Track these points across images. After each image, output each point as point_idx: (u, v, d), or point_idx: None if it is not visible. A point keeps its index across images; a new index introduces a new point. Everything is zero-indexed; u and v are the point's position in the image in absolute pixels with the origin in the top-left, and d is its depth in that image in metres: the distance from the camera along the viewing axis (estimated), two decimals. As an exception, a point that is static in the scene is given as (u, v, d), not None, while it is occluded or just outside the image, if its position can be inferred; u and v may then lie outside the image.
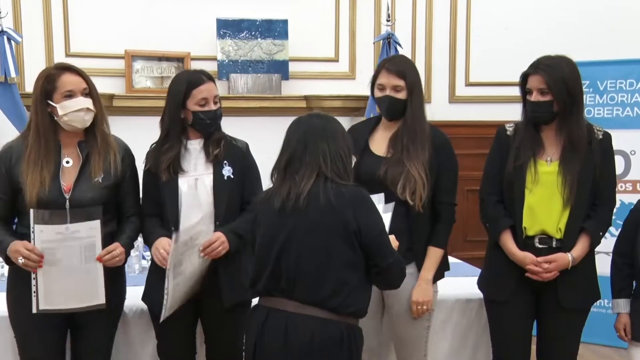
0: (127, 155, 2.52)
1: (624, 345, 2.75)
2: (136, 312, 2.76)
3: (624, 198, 4.07)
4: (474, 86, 5.11)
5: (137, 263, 3.28)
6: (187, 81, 2.49)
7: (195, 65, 4.64)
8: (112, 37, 4.66)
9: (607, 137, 2.55)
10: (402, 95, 2.52)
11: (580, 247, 2.50)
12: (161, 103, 4.38)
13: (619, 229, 2.75)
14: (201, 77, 2.50)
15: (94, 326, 2.46)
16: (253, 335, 2.11)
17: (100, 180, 2.40)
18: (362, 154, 2.53)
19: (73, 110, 2.37)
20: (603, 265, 2.80)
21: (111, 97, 4.52)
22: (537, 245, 2.50)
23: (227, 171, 2.50)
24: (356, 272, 2.06)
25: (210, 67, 4.39)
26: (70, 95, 2.37)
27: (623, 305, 2.64)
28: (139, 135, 4.33)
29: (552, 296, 2.51)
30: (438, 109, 4.96)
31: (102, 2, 4.67)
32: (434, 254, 2.54)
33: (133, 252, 3.22)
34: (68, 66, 2.44)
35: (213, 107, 2.49)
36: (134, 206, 2.54)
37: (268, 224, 2.11)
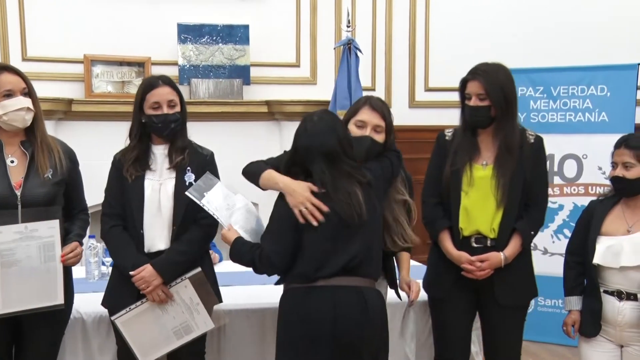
0: (71, 159, 2.51)
1: (576, 344, 2.82)
2: (95, 319, 2.73)
3: (577, 200, 4.19)
4: (433, 91, 5.18)
5: (97, 269, 3.23)
6: (143, 86, 2.53)
7: (156, 70, 4.61)
8: (71, 41, 4.60)
9: (539, 141, 2.65)
10: (380, 137, 2.48)
11: (512, 246, 2.59)
12: (122, 108, 4.44)
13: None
14: (157, 81, 2.52)
15: (39, 331, 2.42)
16: (327, 315, 2.21)
17: (49, 177, 2.40)
18: None
19: (13, 110, 2.35)
20: (559, 266, 2.87)
21: (70, 102, 4.47)
22: (473, 245, 2.59)
23: (189, 177, 2.51)
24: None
25: (172, 72, 4.37)
26: (9, 94, 2.36)
27: (575, 302, 2.72)
28: (98, 141, 4.32)
29: (490, 294, 2.60)
30: (398, 114, 4.96)
31: (59, 6, 4.61)
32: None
33: (92, 259, 3.18)
34: (6, 66, 2.44)
35: (166, 110, 2.49)
36: (81, 203, 2.57)
37: (334, 227, 2.24)
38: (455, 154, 2.59)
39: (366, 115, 2.47)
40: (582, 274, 2.72)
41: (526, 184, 2.58)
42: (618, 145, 2.63)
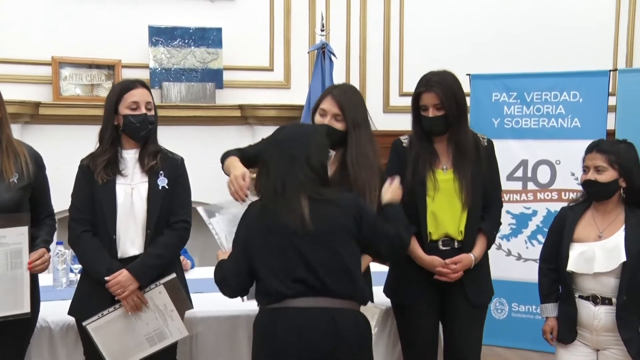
0: (37, 163, 2.48)
1: (550, 350, 2.86)
2: (63, 328, 2.69)
3: (550, 206, 4.25)
4: (407, 96, 5.16)
5: (65, 276, 3.18)
6: (120, 87, 2.54)
7: (126, 73, 4.58)
8: (38, 42, 4.54)
9: (491, 144, 2.77)
10: (340, 125, 2.54)
11: (479, 247, 2.68)
12: (91, 111, 4.39)
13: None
14: (134, 83, 2.54)
15: (4, 341, 2.38)
16: (291, 339, 2.11)
17: (15, 181, 2.37)
18: None
19: None
20: (534, 272, 2.91)
21: (37, 105, 4.40)
22: (441, 247, 2.65)
23: (161, 181, 2.52)
24: (360, 266, 2.25)
25: (143, 75, 4.33)
26: None
27: (551, 309, 2.76)
28: (66, 145, 4.26)
29: (460, 294, 2.65)
30: (373, 119, 5.04)
31: (26, 6, 4.54)
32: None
33: (60, 266, 3.14)
34: None
35: (144, 111, 2.50)
36: (48, 208, 2.55)
37: (280, 241, 2.15)
38: (415, 161, 2.65)
39: (327, 104, 2.56)
40: (557, 280, 2.75)
41: (485, 187, 2.68)
42: (590, 149, 2.68)
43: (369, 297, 2.34)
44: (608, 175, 2.61)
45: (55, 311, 2.67)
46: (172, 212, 2.54)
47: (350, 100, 2.57)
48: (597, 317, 2.61)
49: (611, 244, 2.61)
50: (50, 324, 2.67)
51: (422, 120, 2.66)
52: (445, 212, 2.64)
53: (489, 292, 2.77)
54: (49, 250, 2.47)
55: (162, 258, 2.50)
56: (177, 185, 2.56)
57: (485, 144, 2.73)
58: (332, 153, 2.35)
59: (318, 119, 2.57)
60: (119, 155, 2.52)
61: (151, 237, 2.49)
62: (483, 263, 2.72)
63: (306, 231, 2.13)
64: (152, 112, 2.53)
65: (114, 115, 2.50)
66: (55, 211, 2.60)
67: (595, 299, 2.63)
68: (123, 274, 2.43)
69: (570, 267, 2.64)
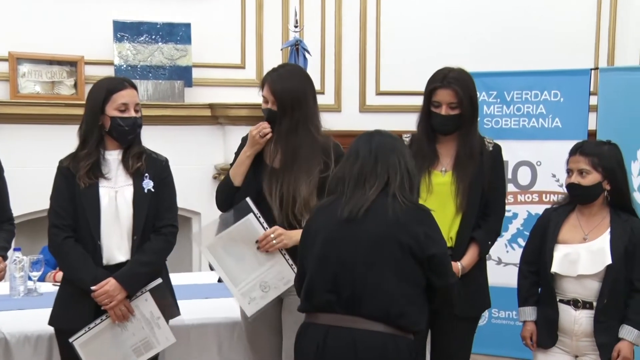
0: None
1: (529, 357, 2.87)
2: (20, 339, 2.64)
3: (531, 209, 4.27)
4: (384, 95, 5.22)
5: (23, 285, 3.11)
6: (107, 86, 2.50)
7: (89, 70, 4.52)
8: (-6, 37, 4.45)
9: (497, 149, 2.72)
10: (275, 107, 2.57)
11: (469, 256, 2.64)
12: (52, 110, 4.32)
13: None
14: (123, 83, 2.53)
15: None
16: (311, 356, 2.10)
17: None
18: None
19: None
20: (514, 276, 2.92)
21: (-7, 103, 4.32)
22: None
23: (147, 184, 2.50)
24: (420, 289, 2.13)
25: (107, 72, 4.27)
26: None
27: (529, 313, 2.77)
28: (25, 146, 4.18)
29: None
30: (349, 119, 5.04)
31: (-18, -1, 4.46)
32: None
33: (17, 274, 3.08)
34: None
35: (133, 114, 2.48)
36: (6, 212, 2.52)
37: (328, 233, 2.15)
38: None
39: (265, 91, 2.59)
40: (537, 283, 2.77)
41: (484, 193, 2.64)
42: (573, 152, 2.70)
43: (413, 325, 2.15)
44: (592, 178, 2.64)
45: (12, 321, 2.63)
46: (158, 216, 2.52)
47: (283, 86, 2.56)
48: (577, 321, 2.64)
49: (596, 247, 2.63)
50: (7, 334, 2.62)
51: (433, 117, 2.62)
52: (437, 217, 2.55)
53: (480, 305, 2.73)
54: (5, 258, 2.43)
55: (151, 265, 2.49)
56: (163, 188, 2.54)
57: (491, 148, 2.69)
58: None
59: (263, 105, 2.61)
60: (100, 158, 2.48)
61: (138, 242, 2.47)
62: (476, 274, 2.66)
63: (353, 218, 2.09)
64: (140, 114, 2.52)
65: (100, 116, 2.45)
66: (14, 215, 2.56)
67: (576, 303, 2.65)
68: (110, 283, 2.40)
69: (554, 268, 2.65)
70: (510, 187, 4.37)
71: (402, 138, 2.43)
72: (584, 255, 2.63)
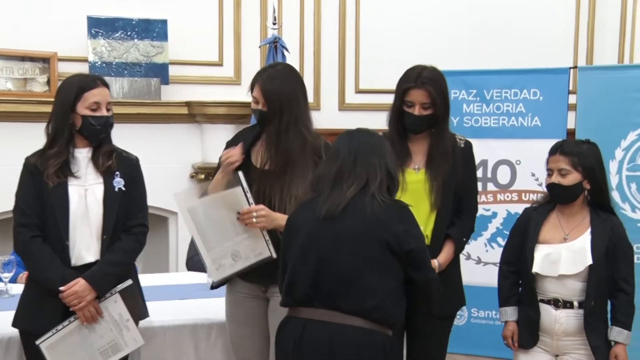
0: None
1: (509, 356, 2.90)
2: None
3: (510, 208, 4.31)
4: (364, 93, 5.23)
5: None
6: (78, 83, 2.48)
7: (63, 67, 4.47)
8: (-36, 32, 4.39)
9: (469, 146, 2.75)
10: (266, 108, 2.55)
11: (445, 254, 2.66)
12: (24, 108, 4.26)
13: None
14: (95, 81, 2.50)
15: None
16: (289, 349, 2.14)
17: None
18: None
19: None
20: (493, 276, 2.94)
21: (-37, 100, 4.26)
22: None
23: (118, 183, 2.49)
24: (397, 282, 2.17)
25: (81, 69, 4.23)
26: None
27: (510, 313, 2.79)
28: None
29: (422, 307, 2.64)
30: (328, 117, 5.03)
31: (-48, -8, 4.39)
32: None
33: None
34: None
35: (105, 113, 2.47)
36: None
37: (309, 230, 2.18)
38: None
39: (256, 92, 2.56)
40: (517, 283, 2.79)
41: (458, 190, 2.66)
42: (553, 151, 2.73)
43: (388, 318, 2.19)
44: (572, 178, 2.66)
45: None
46: (129, 215, 2.51)
47: (273, 87, 2.53)
48: (558, 321, 2.66)
49: (577, 247, 2.66)
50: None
51: (405, 116, 2.64)
52: None
53: (455, 303, 2.75)
54: None
55: (121, 265, 2.48)
56: (133, 187, 2.53)
57: (462, 145, 2.71)
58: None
59: (253, 105, 2.59)
60: (69, 156, 2.46)
61: (108, 242, 2.45)
62: (451, 272, 2.68)
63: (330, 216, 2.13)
64: (111, 113, 2.50)
65: (70, 114, 2.43)
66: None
67: (556, 303, 2.68)
68: (80, 284, 2.38)
69: (535, 268, 2.68)
70: (490, 186, 4.40)
71: (382, 135, 2.44)
72: (565, 256, 2.66)
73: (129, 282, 2.49)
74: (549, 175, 2.72)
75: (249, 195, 2.43)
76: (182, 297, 3.15)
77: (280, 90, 2.52)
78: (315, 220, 2.19)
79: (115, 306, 2.46)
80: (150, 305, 2.81)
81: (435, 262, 2.61)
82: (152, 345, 2.78)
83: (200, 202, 2.49)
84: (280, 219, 2.41)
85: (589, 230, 2.68)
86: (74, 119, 2.44)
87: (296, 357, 2.16)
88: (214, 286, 2.66)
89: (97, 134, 2.46)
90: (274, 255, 2.42)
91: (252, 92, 2.59)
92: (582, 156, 2.67)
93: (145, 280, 3.32)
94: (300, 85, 2.60)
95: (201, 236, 2.49)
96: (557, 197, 2.73)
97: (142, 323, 2.67)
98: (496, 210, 4.39)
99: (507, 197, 4.37)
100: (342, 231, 2.15)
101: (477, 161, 4.24)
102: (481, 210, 4.34)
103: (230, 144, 2.66)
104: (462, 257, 4.27)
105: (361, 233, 2.14)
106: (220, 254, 2.49)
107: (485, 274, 4.07)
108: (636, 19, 5.34)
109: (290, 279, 2.20)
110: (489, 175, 4.41)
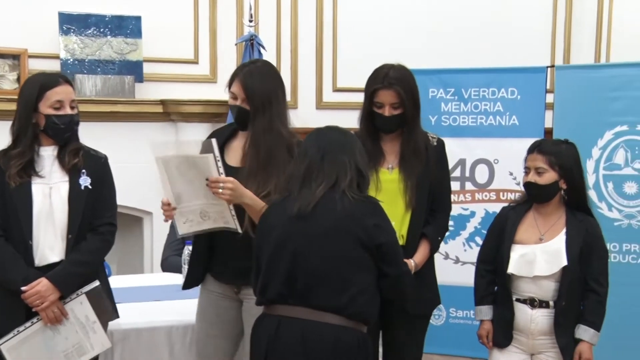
0: None
1: (486, 356, 2.93)
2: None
3: (488, 207, 4.34)
4: (341, 92, 5.24)
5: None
6: (40, 82, 2.44)
7: (34, 64, 4.41)
8: None
9: (441, 144, 2.77)
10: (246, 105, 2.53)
11: (421, 253, 2.68)
12: (-7, 105, 4.18)
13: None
14: (57, 79, 2.47)
15: None
16: (263, 347, 2.15)
17: None
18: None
19: None
20: (472, 275, 2.96)
21: None
22: None
23: (84, 181, 2.46)
24: (370, 278, 2.18)
25: (52, 66, 4.19)
26: None
27: (485, 312, 2.82)
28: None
29: (398, 303, 2.64)
30: (305, 116, 5.04)
31: None
32: None
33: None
34: None
35: (69, 111, 2.44)
36: None
37: (282, 229, 2.19)
38: None
39: (235, 87, 2.54)
40: (493, 282, 2.82)
41: (432, 189, 2.69)
42: (531, 150, 2.76)
43: (361, 314, 2.19)
44: (548, 177, 2.70)
45: None
46: (96, 214, 2.49)
47: (255, 83, 2.51)
48: (534, 320, 2.70)
49: (552, 248, 2.69)
50: None
51: (376, 118, 2.65)
52: (388, 214, 2.64)
53: (431, 301, 2.77)
54: None
55: (87, 265, 2.45)
56: (101, 185, 2.51)
57: (435, 143, 2.73)
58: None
59: (231, 101, 2.58)
60: (34, 155, 2.44)
61: (73, 242, 2.43)
62: (425, 271, 2.70)
63: (306, 222, 2.15)
64: (76, 111, 2.48)
65: (33, 114, 2.41)
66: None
67: (532, 302, 2.71)
68: (42, 283, 2.36)
69: (511, 269, 2.71)
70: (468, 185, 4.44)
71: (353, 133, 2.44)
72: (540, 256, 2.69)
73: (96, 283, 2.47)
74: (526, 173, 2.75)
75: (219, 164, 2.38)
76: (157, 299, 3.13)
77: (262, 87, 2.51)
78: (287, 219, 2.19)
79: (81, 307, 2.43)
80: (124, 307, 2.80)
81: (411, 262, 2.62)
82: (126, 348, 2.76)
83: (174, 157, 2.42)
84: (249, 198, 2.38)
85: (564, 231, 2.71)
86: (37, 118, 2.42)
87: (270, 355, 2.17)
88: (185, 286, 2.65)
89: (62, 132, 2.44)
90: (240, 230, 2.38)
91: (230, 87, 2.58)
92: (559, 155, 2.70)
93: (120, 281, 3.33)
94: (280, 82, 2.59)
95: (172, 186, 2.43)
96: (532, 196, 2.76)
97: (116, 325, 2.66)
98: (474, 210, 4.42)
99: (485, 196, 4.41)
100: (314, 228, 2.16)
101: (455, 160, 4.37)
102: (459, 210, 4.38)
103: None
104: (440, 256, 4.35)
105: (332, 229, 2.15)
106: (189, 209, 2.43)
107: (463, 274, 4.09)
108: (613, 18, 5.41)
109: (265, 278, 2.21)
110: (467, 174, 4.44)
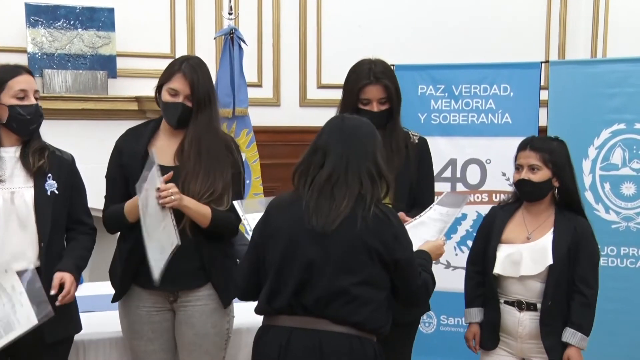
0: None
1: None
2: None
3: (480, 209, 4.34)
4: (326, 88, 5.24)
5: None
6: (1, 73, 2.42)
7: (0, 58, 4.38)
8: None
9: (423, 141, 2.84)
10: (189, 102, 2.56)
11: None
12: (-44, 102, 4.14)
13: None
14: (17, 69, 2.45)
15: None
16: (273, 357, 2.17)
17: None
18: (142, 162, 2.53)
19: None
20: (463, 280, 2.98)
21: None
22: None
23: (50, 185, 2.43)
24: (386, 293, 2.23)
25: (19, 61, 4.10)
26: None
27: (474, 314, 2.85)
28: None
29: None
30: (288, 113, 5.05)
31: None
32: None
33: None
34: None
35: (34, 101, 2.42)
36: None
37: (295, 237, 2.17)
38: None
39: (178, 83, 2.55)
40: (483, 283, 2.85)
41: (412, 186, 2.73)
42: (523, 146, 2.77)
43: (378, 329, 2.24)
44: (542, 174, 2.72)
45: None
46: (79, 220, 2.52)
47: (199, 80, 2.55)
48: (521, 323, 2.72)
49: (539, 247, 2.71)
50: None
51: (363, 114, 2.64)
52: None
53: (418, 309, 2.78)
54: None
55: (86, 261, 2.51)
56: (72, 190, 2.50)
57: (416, 141, 2.78)
58: None
59: (167, 97, 2.57)
60: None
61: (46, 248, 2.40)
62: None
63: (322, 237, 2.14)
64: (39, 103, 2.46)
65: None
66: None
67: (520, 305, 2.73)
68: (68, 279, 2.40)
69: (496, 269, 2.73)
70: (459, 187, 4.44)
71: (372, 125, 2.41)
72: (526, 256, 2.71)
73: (31, 267, 2.35)
74: (518, 171, 2.77)
75: (159, 172, 2.41)
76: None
77: (205, 83, 2.55)
78: (301, 228, 2.17)
79: (6, 277, 2.30)
80: (95, 315, 2.79)
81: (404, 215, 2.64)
82: (98, 356, 2.78)
83: (141, 180, 2.45)
84: (187, 200, 2.43)
85: (552, 229, 2.74)
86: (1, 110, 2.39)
87: None
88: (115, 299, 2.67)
89: (27, 124, 2.41)
90: (179, 243, 2.35)
91: (167, 83, 2.57)
92: (553, 153, 2.73)
93: (91, 289, 3.30)
94: (211, 78, 2.64)
95: (145, 220, 2.43)
96: (525, 194, 2.78)
97: (85, 335, 2.65)
98: (465, 212, 4.41)
99: (477, 197, 4.41)
100: (334, 244, 2.15)
101: (445, 160, 4.38)
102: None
103: (123, 144, 2.66)
104: (430, 261, 4.35)
105: (352, 244, 2.15)
106: (155, 245, 2.43)
107: (454, 279, 4.08)
108: (609, 13, 5.45)
109: (273, 287, 2.20)
110: (458, 175, 4.44)
